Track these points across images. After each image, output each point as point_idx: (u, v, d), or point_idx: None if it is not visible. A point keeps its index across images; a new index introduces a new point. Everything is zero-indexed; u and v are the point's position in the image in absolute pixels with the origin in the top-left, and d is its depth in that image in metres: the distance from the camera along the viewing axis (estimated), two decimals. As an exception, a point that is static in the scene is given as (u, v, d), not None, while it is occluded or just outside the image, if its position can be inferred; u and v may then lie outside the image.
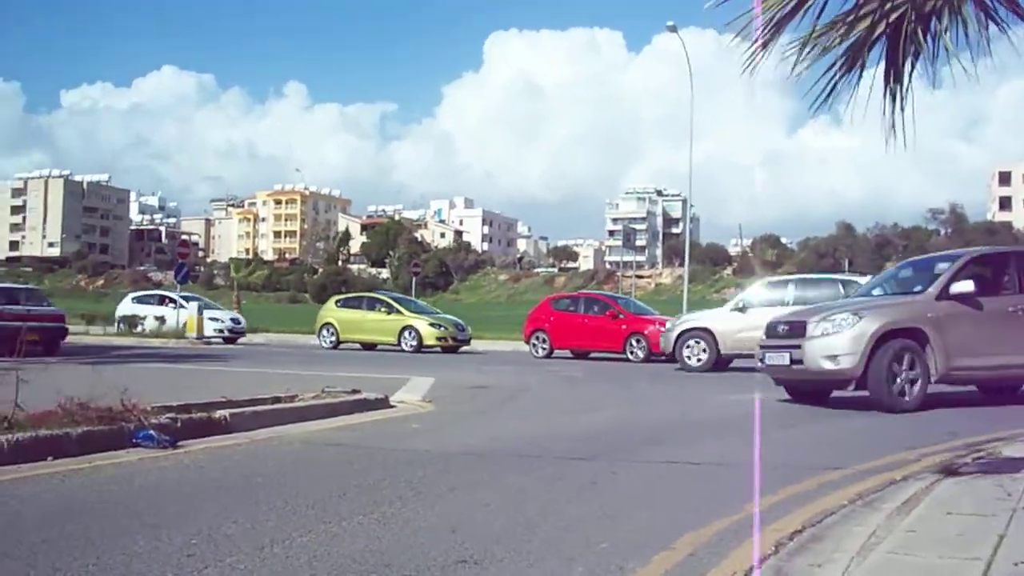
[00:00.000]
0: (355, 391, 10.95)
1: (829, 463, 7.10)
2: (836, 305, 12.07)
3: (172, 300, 32.27)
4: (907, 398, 10.74)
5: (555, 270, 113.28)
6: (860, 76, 4.99)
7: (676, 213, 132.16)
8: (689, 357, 16.21)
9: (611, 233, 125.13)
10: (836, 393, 11.73)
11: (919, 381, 10.83)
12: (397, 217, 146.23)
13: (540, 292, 68.73)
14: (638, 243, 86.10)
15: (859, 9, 4.83)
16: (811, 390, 11.80)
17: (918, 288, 11.77)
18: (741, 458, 7.88)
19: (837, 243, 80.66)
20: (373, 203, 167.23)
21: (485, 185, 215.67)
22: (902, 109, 4.68)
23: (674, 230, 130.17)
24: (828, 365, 10.93)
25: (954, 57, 4.67)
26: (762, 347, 12.10)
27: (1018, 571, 3.86)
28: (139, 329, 31.94)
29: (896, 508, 5.12)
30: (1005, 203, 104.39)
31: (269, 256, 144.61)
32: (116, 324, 33.83)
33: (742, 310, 17.07)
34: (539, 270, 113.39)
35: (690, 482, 6.62)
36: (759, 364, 12.18)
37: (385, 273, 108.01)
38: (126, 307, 34.04)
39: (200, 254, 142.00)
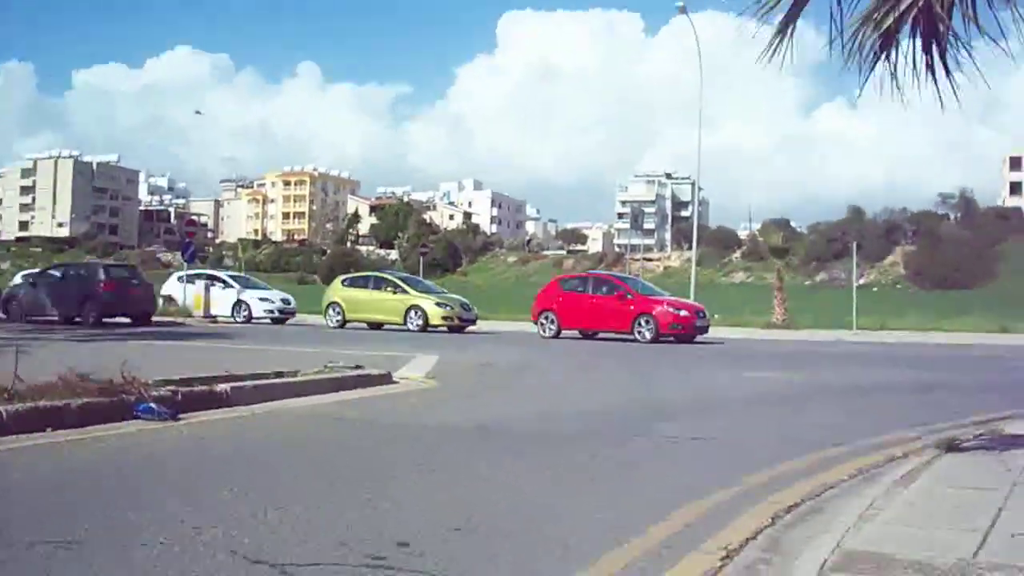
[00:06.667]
0: (357, 367, 10.91)
1: (832, 440, 7.07)
2: None
3: (222, 280, 31.66)
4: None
5: (564, 252, 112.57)
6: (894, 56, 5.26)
7: (686, 196, 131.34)
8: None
9: (620, 216, 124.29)
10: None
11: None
12: (406, 199, 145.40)
13: (548, 274, 68.37)
14: (647, 226, 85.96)
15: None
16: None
17: None
18: (744, 434, 7.89)
19: (846, 227, 79.50)
20: (384, 184, 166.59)
21: (497, 167, 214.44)
22: (947, 72, 4.98)
23: (683, 213, 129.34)
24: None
25: (979, 37, 5.01)
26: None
27: (1015, 542, 3.82)
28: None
29: (895, 481, 5.09)
30: (1015, 188, 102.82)
31: (278, 237, 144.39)
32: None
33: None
34: (548, 252, 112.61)
35: (693, 457, 6.59)
36: None
37: (394, 254, 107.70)
38: (171, 287, 33.28)
39: (209, 235, 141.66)
